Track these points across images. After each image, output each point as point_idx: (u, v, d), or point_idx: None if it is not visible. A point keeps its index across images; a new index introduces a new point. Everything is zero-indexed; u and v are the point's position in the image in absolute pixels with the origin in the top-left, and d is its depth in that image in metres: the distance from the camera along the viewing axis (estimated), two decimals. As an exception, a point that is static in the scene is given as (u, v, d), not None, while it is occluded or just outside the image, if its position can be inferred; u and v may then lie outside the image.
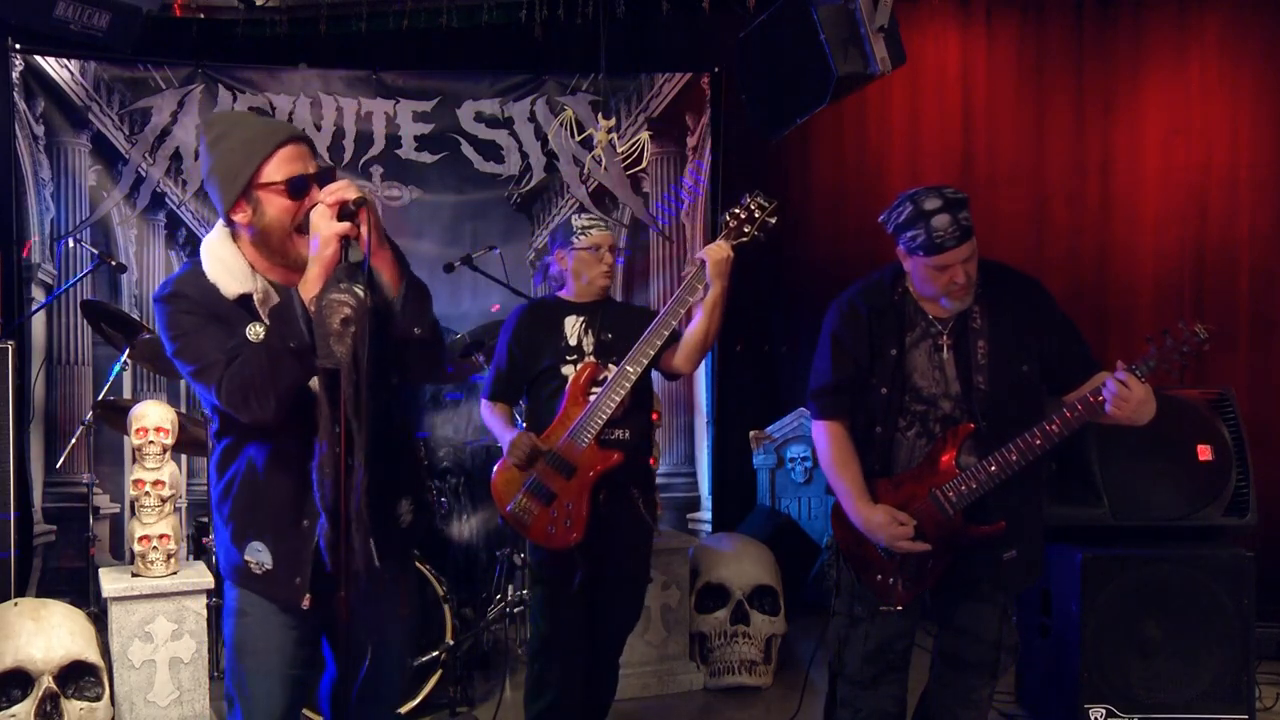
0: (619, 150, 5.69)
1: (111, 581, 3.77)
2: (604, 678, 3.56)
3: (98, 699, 3.61)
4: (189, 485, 5.06)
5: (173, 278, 2.33)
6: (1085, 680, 3.72)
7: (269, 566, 2.31)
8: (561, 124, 5.64)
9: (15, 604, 3.72)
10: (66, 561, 5.10)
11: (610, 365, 3.30)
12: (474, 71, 5.62)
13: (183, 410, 4.87)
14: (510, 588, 4.55)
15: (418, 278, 2.31)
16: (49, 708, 3.48)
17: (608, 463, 3.25)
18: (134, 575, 3.80)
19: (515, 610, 4.53)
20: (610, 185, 5.72)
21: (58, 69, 5.16)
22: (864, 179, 5.81)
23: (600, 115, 5.64)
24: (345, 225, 2.09)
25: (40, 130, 5.15)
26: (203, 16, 5.45)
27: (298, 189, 2.20)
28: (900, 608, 2.90)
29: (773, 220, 3.15)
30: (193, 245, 5.35)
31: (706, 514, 5.82)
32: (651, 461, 3.91)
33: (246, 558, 2.33)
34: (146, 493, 3.79)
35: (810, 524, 5.75)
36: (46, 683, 3.49)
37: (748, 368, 5.97)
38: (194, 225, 5.36)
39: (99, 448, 4.82)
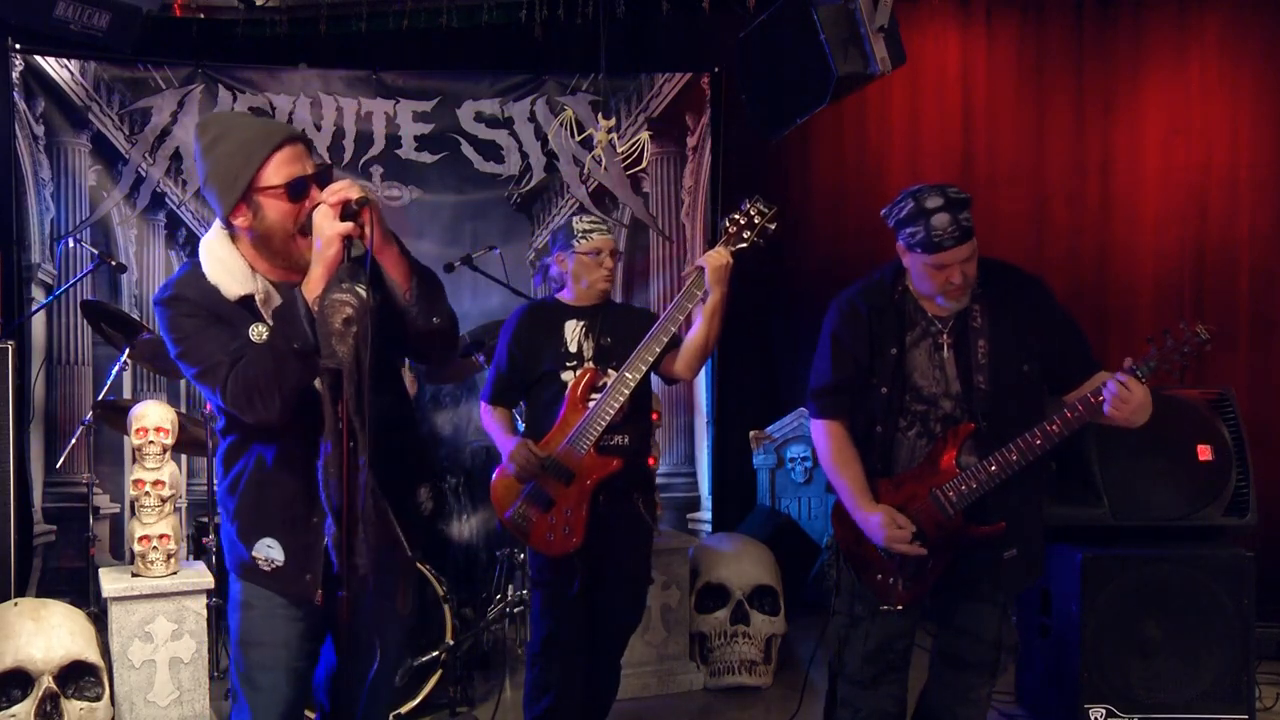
0: (619, 150, 5.69)
1: (111, 581, 3.77)
2: (605, 678, 3.56)
3: (98, 699, 3.61)
4: (189, 485, 5.07)
5: (172, 280, 2.33)
6: (1085, 680, 3.73)
7: (280, 563, 2.32)
8: (561, 124, 5.64)
9: (15, 604, 3.72)
10: (66, 561, 5.10)
11: (610, 371, 3.30)
12: (474, 71, 5.62)
13: (183, 410, 4.88)
14: (510, 588, 4.55)
15: (427, 269, 2.32)
16: (49, 708, 3.48)
17: (606, 470, 3.25)
18: (134, 575, 3.80)
19: (515, 610, 4.53)
20: (610, 185, 5.72)
21: (58, 69, 5.16)
22: (864, 179, 5.81)
23: (600, 115, 5.64)
24: (348, 225, 2.09)
25: (40, 130, 5.15)
26: (203, 16, 5.45)
27: (297, 191, 2.20)
28: (900, 607, 2.89)
29: (772, 226, 3.15)
30: (193, 245, 5.34)
31: (706, 514, 5.82)
32: (651, 461, 3.91)
33: (255, 555, 2.33)
34: (146, 493, 3.80)
35: (810, 524, 5.75)
36: (46, 683, 3.49)
37: (748, 368, 5.97)
38: (194, 225, 5.36)
39: (99, 448, 4.82)
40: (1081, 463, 3.89)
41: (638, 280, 5.75)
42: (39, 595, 4.78)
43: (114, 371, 4.45)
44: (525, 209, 5.68)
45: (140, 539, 3.78)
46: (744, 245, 3.14)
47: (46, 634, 3.56)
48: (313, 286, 2.09)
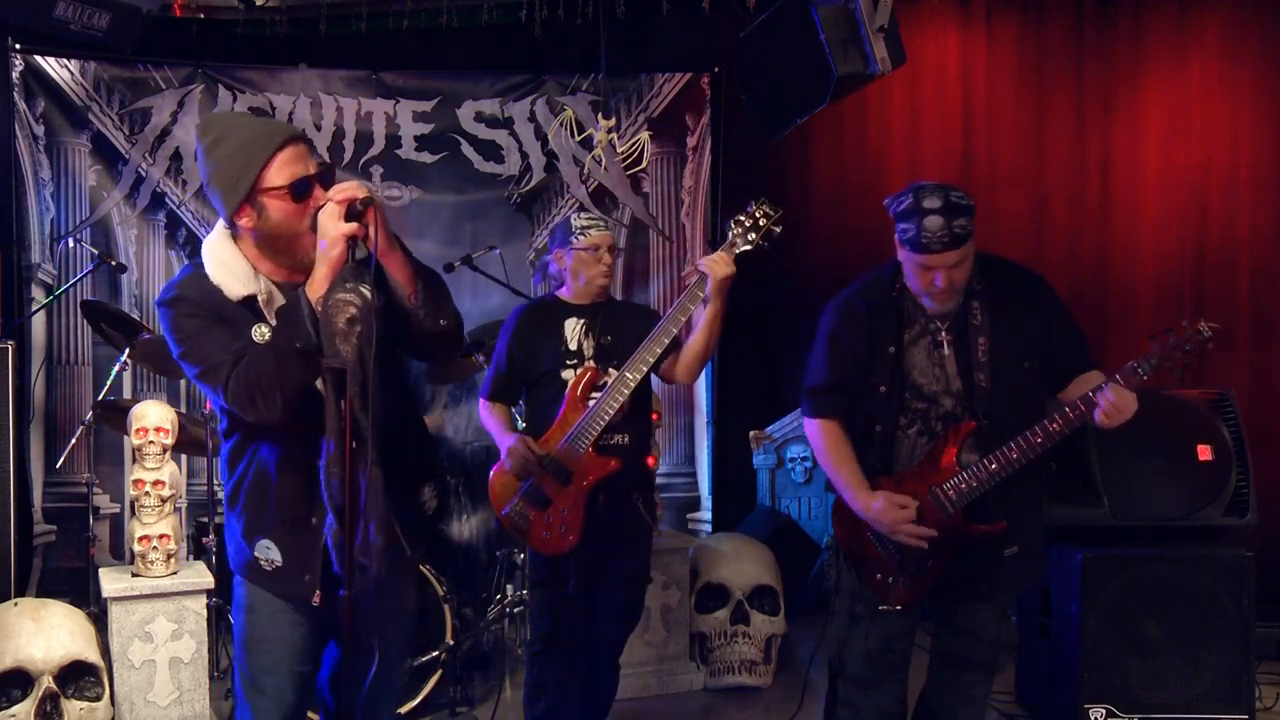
0: (619, 150, 5.69)
1: (111, 581, 3.77)
2: (605, 678, 3.55)
3: (98, 699, 3.61)
4: (189, 485, 5.07)
5: (175, 281, 2.33)
6: (1085, 680, 3.73)
7: (279, 563, 2.33)
8: (561, 124, 5.64)
9: (15, 604, 3.72)
10: (66, 561, 5.10)
11: (610, 370, 3.30)
12: (474, 71, 5.62)
13: (183, 410, 4.88)
14: (510, 588, 4.55)
15: (432, 271, 2.33)
16: (49, 708, 3.48)
17: (605, 470, 3.25)
18: (134, 575, 3.80)
19: (515, 610, 4.53)
20: (610, 185, 5.72)
21: (58, 69, 5.16)
22: (864, 179, 5.80)
23: (600, 115, 5.64)
24: (353, 225, 2.10)
25: (40, 130, 5.15)
26: (203, 16, 5.45)
27: (300, 191, 2.20)
28: (899, 607, 2.89)
29: (778, 229, 3.13)
30: (193, 245, 5.35)
31: (706, 514, 5.82)
32: (651, 461, 3.91)
33: (256, 554, 2.35)
34: (146, 493, 3.80)
35: (810, 524, 5.75)
36: (46, 683, 3.49)
37: (748, 368, 5.97)
38: (194, 225, 5.36)
39: (99, 448, 4.81)
40: (1081, 463, 3.89)
41: (638, 280, 5.75)
42: (39, 595, 4.78)
43: (114, 371, 4.45)
44: (525, 209, 5.68)
45: (140, 539, 3.78)
46: (749, 248, 3.13)
47: (46, 634, 3.56)
48: (316, 286, 2.09)
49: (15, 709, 3.45)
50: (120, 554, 5.10)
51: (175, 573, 3.83)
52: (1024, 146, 5.63)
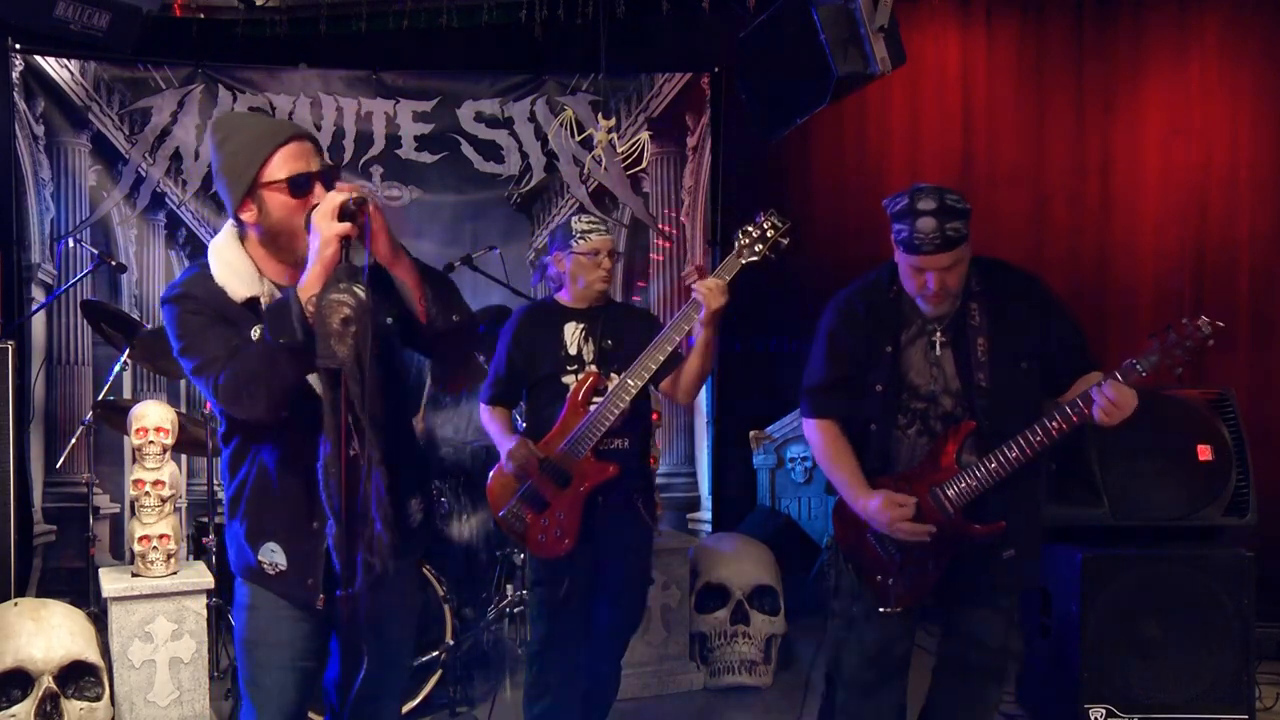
0: (619, 150, 5.69)
1: (111, 581, 3.77)
2: (606, 678, 3.55)
3: (98, 699, 3.61)
4: (189, 485, 5.07)
5: (180, 279, 2.34)
6: (1085, 680, 3.73)
7: (283, 567, 2.33)
8: (561, 124, 5.64)
9: (15, 604, 3.73)
10: (66, 561, 5.10)
11: (613, 375, 3.30)
12: (474, 71, 5.62)
13: (183, 410, 4.88)
14: (510, 588, 4.55)
15: (437, 272, 2.35)
16: (49, 708, 3.48)
17: (603, 476, 3.25)
18: (134, 575, 3.80)
19: (515, 610, 4.53)
20: (610, 185, 5.72)
21: (58, 69, 5.16)
22: (864, 179, 5.80)
23: (600, 115, 5.64)
24: (346, 225, 2.09)
25: (40, 130, 5.15)
26: (203, 16, 5.45)
27: (299, 186, 2.21)
28: (899, 610, 2.88)
29: (785, 241, 3.12)
30: (193, 245, 5.35)
31: (706, 514, 5.82)
32: (651, 461, 3.91)
33: (261, 559, 2.35)
34: (146, 493, 3.80)
35: (810, 524, 5.75)
36: (46, 683, 3.49)
37: (748, 368, 5.96)
38: (194, 225, 5.36)
39: (99, 448, 4.82)
40: (1081, 463, 3.89)
41: (637, 280, 5.75)
42: (39, 595, 4.78)
43: (114, 371, 4.45)
44: (525, 209, 5.68)
45: (140, 539, 3.78)
46: (755, 259, 3.12)
47: (46, 634, 3.56)
48: (309, 286, 2.09)
49: (15, 709, 3.45)
50: (120, 554, 5.10)
51: (175, 573, 3.83)
52: (1024, 146, 5.63)
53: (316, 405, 2.13)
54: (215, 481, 4.40)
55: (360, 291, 2.03)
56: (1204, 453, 3.83)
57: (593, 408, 3.25)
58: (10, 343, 4.65)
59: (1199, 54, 5.37)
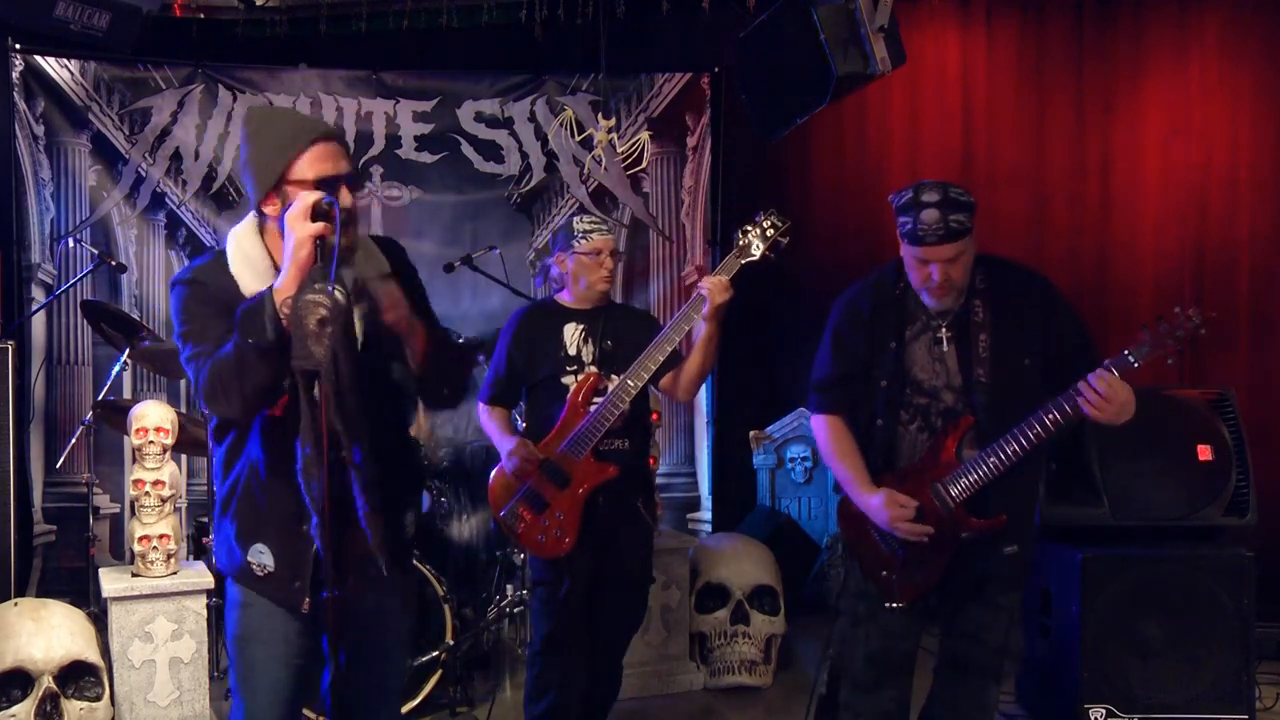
0: (619, 150, 5.69)
1: (111, 581, 3.77)
2: (606, 678, 3.56)
3: (98, 699, 3.61)
4: (189, 485, 5.07)
5: (195, 263, 2.36)
6: (1085, 680, 3.73)
7: (271, 569, 2.33)
8: (561, 124, 5.64)
9: (15, 604, 3.73)
10: (66, 561, 5.10)
11: (612, 376, 3.30)
12: (474, 71, 5.62)
13: (183, 410, 4.87)
14: (510, 588, 4.55)
15: (451, 348, 2.45)
16: (49, 708, 3.48)
17: (602, 476, 3.26)
18: (134, 575, 3.80)
19: (515, 610, 4.53)
20: (610, 185, 5.72)
21: (58, 69, 5.16)
22: (864, 179, 5.80)
23: (600, 115, 5.64)
24: (319, 225, 2.09)
25: (40, 130, 5.15)
26: (203, 16, 5.45)
27: (325, 188, 2.21)
28: (902, 604, 2.89)
29: (784, 240, 3.14)
30: (193, 245, 5.35)
31: (706, 514, 5.82)
32: (651, 462, 3.91)
33: (250, 559, 2.35)
34: (146, 493, 3.80)
35: (810, 524, 5.75)
36: (46, 683, 3.49)
37: (748, 368, 5.96)
38: (194, 225, 5.36)
39: (99, 448, 4.82)
40: (1081, 463, 3.89)
41: (638, 280, 5.75)
42: (39, 595, 4.78)
43: (114, 371, 4.45)
44: (525, 209, 5.68)
45: (140, 539, 3.78)
46: (754, 258, 3.13)
47: (46, 634, 3.56)
48: (284, 287, 2.08)
49: (15, 709, 3.45)
50: (120, 554, 5.10)
51: (175, 573, 3.83)
52: (1024, 146, 5.63)
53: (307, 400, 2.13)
54: (214, 483, 4.40)
55: (337, 292, 2.03)
56: (1204, 453, 3.83)
57: (592, 408, 3.25)
58: (10, 343, 4.65)
59: (1199, 54, 5.37)
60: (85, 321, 4.97)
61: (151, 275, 5.33)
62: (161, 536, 3.79)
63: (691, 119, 5.75)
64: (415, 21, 5.42)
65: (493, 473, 3.42)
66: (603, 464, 3.26)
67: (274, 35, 5.40)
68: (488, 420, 3.48)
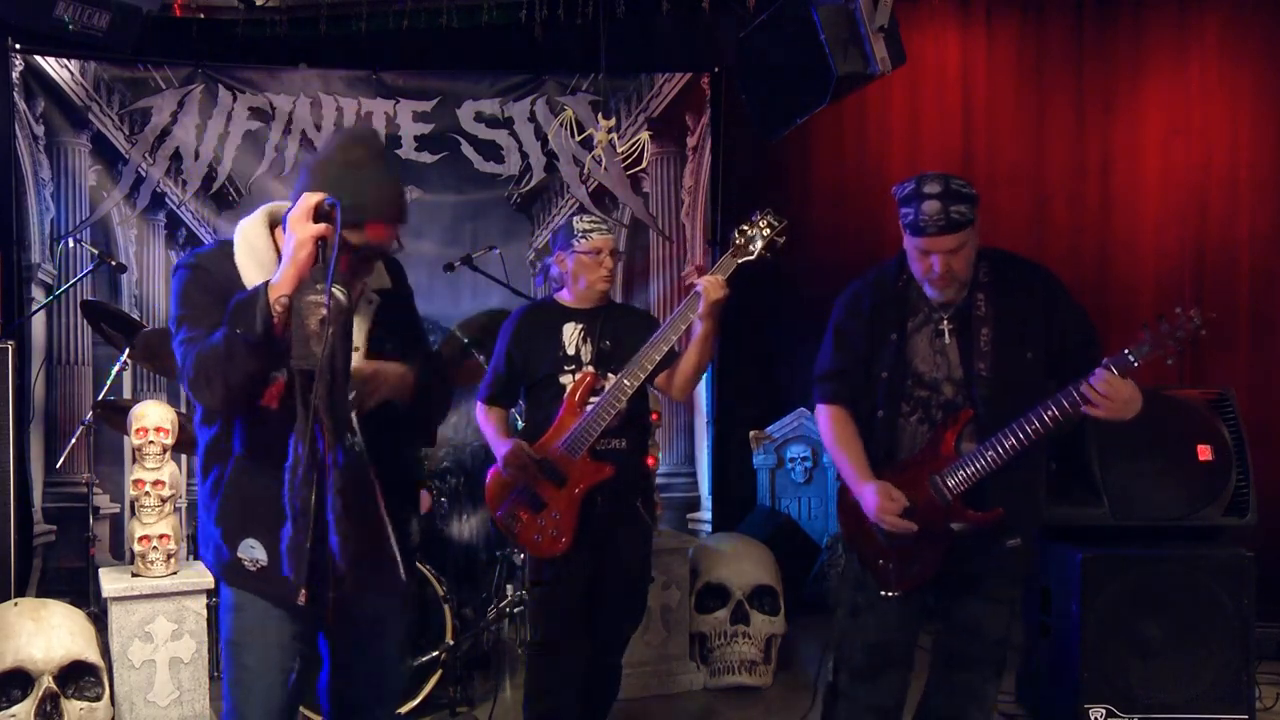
0: (619, 150, 5.69)
1: (111, 581, 3.77)
2: (605, 678, 3.56)
3: (98, 699, 3.61)
4: (189, 485, 5.06)
5: (201, 249, 2.37)
6: (1085, 680, 3.73)
7: (264, 563, 2.31)
8: (561, 124, 5.64)
9: (15, 604, 3.73)
10: (66, 561, 5.10)
11: (609, 375, 3.30)
12: (474, 71, 5.62)
13: (182, 410, 4.87)
14: (510, 588, 4.55)
15: (440, 393, 2.51)
16: (49, 708, 3.49)
17: (598, 476, 3.25)
18: (134, 575, 3.80)
19: (515, 610, 4.53)
20: (610, 185, 5.72)
21: (58, 69, 5.16)
22: (864, 179, 5.80)
23: (600, 115, 5.64)
24: (321, 227, 2.09)
25: (40, 130, 5.15)
26: (203, 16, 5.45)
27: (363, 259, 2.25)
28: (898, 594, 2.90)
29: (781, 240, 3.13)
30: (193, 245, 5.35)
31: (706, 514, 5.82)
32: (651, 461, 3.90)
33: (240, 555, 2.32)
34: (146, 493, 3.80)
35: (810, 524, 5.75)
36: (46, 683, 3.49)
37: (748, 368, 5.97)
38: (194, 225, 5.36)
39: (99, 448, 4.82)
40: (1081, 463, 3.89)
41: (638, 280, 5.75)
42: (39, 595, 4.78)
43: (114, 371, 4.45)
44: (525, 209, 5.68)
45: (140, 539, 3.78)
46: (751, 258, 3.13)
47: (46, 634, 3.56)
48: (279, 285, 2.08)
49: (15, 709, 3.45)
50: (120, 554, 5.10)
51: (175, 573, 3.83)
52: (1024, 146, 5.63)
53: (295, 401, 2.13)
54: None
55: (338, 293, 2.04)
56: (1204, 453, 3.83)
57: (589, 408, 3.25)
58: (10, 343, 4.65)
59: (1199, 54, 5.37)
60: (85, 321, 4.96)
61: (151, 275, 5.33)
62: (161, 536, 3.79)
63: (691, 119, 5.76)
64: (415, 21, 5.42)
65: (489, 473, 3.42)
66: (599, 464, 3.26)
67: (274, 35, 5.40)
68: (485, 420, 3.48)
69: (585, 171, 5.67)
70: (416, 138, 5.53)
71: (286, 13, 5.37)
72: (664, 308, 5.69)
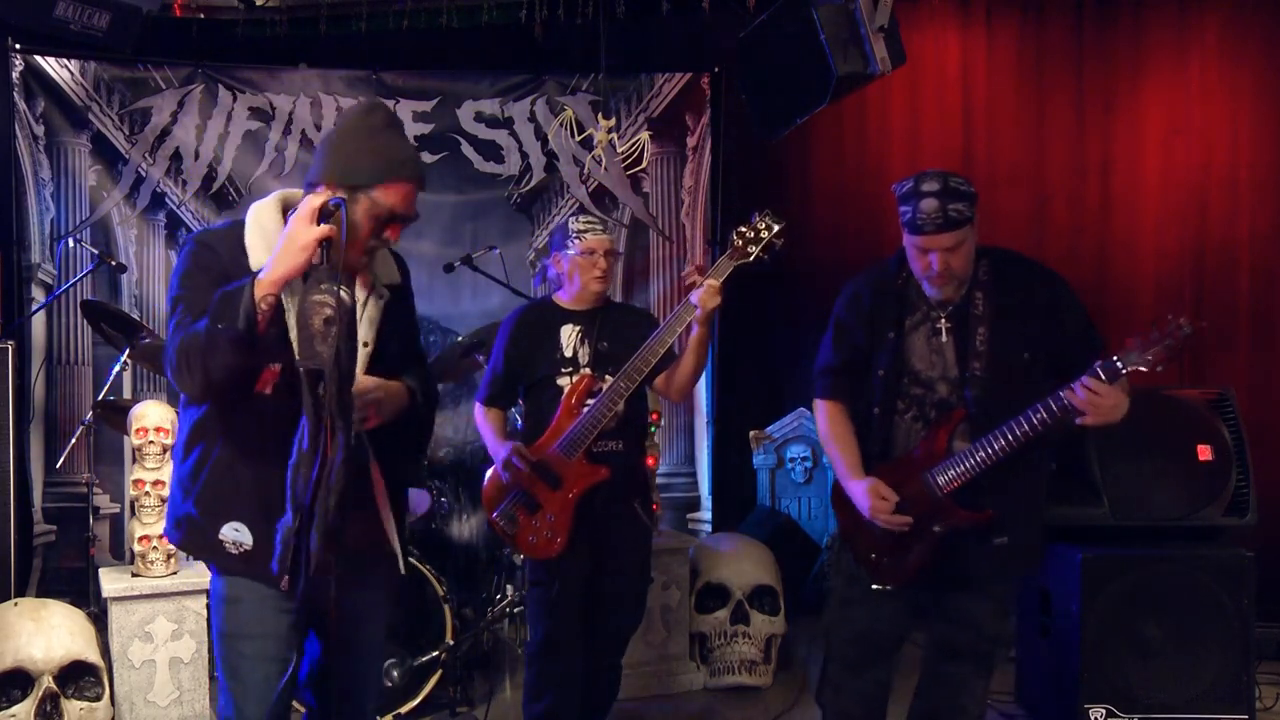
0: (619, 150, 5.69)
1: (111, 581, 3.77)
2: (605, 678, 3.56)
3: (98, 699, 3.61)
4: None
5: (212, 228, 2.37)
6: (1085, 680, 3.73)
7: (248, 546, 2.29)
8: (561, 124, 5.64)
9: (15, 604, 3.73)
10: (66, 561, 5.10)
11: (606, 376, 3.30)
12: (474, 71, 5.62)
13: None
14: (510, 588, 4.55)
15: (424, 417, 2.50)
16: (49, 708, 3.49)
17: (594, 478, 3.26)
18: (134, 575, 3.80)
19: (515, 610, 4.53)
20: (610, 185, 5.72)
21: (58, 69, 5.16)
22: (864, 179, 5.80)
23: (600, 115, 5.64)
24: (325, 229, 2.09)
25: (40, 130, 5.15)
26: (203, 16, 5.45)
27: (392, 223, 2.25)
28: (888, 587, 2.92)
29: (779, 242, 3.13)
30: (193, 245, 5.34)
31: (706, 514, 5.82)
32: (651, 461, 3.90)
33: (222, 537, 2.30)
34: (146, 493, 3.80)
35: (810, 524, 5.75)
36: (46, 683, 3.50)
37: (748, 368, 5.97)
38: (194, 225, 5.36)
39: (99, 448, 4.82)
40: (1081, 463, 3.89)
41: (638, 280, 5.75)
42: (39, 595, 4.78)
43: (114, 371, 4.45)
44: (525, 209, 5.68)
45: (140, 539, 3.79)
46: (749, 259, 3.13)
47: (46, 634, 3.56)
48: (268, 283, 2.08)
49: (15, 709, 3.45)
50: (120, 554, 5.09)
51: (175, 573, 3.83)
52: (1024, 146, 5.63)
53: (294, 384, 2.13)
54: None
55: (343, 293, 2.04)
56: (1204, 453, 3.83)
57: (586, 409, 3.25)
58: (10, 343, 4.65)
59: (1199, 54, 5.37)
60: (85, 321, 4.96)
61: (151, 275, 5.33)
62: (161, 536, 3.79)
63: (691, 119, 5.75)
64: (415, 21, 5.42)
65: (487, 474, 3.43)
66: (595, 466, 3.26)
67: (274, 35, 5.39)
68: (483, 422, 3.47)
69: (585, 171, 5.67)
70: (416, 138, 5.52)
71: (286, 13, 5.37)
72: (664, 308, 5.69)
